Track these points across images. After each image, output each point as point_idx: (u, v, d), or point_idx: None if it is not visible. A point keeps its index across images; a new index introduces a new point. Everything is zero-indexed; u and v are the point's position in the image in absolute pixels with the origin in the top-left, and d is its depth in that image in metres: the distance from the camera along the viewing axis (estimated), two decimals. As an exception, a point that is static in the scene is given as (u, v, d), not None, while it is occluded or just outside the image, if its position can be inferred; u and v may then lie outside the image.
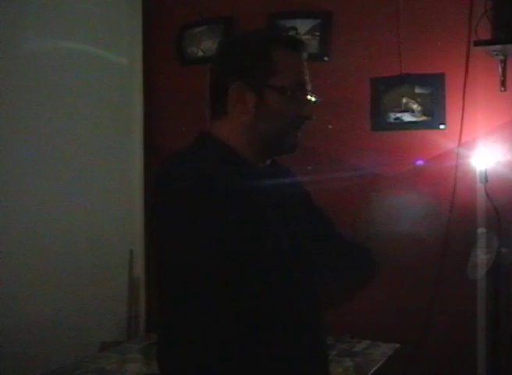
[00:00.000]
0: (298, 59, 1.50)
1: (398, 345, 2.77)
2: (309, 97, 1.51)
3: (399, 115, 3.13)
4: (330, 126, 3.15)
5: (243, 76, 1.46)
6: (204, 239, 1.33)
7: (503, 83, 2.90)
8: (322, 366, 1.58)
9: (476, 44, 2.85)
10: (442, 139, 3.03)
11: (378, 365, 2.56)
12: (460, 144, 3.01)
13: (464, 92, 3.00)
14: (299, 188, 1.65)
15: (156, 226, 1.43)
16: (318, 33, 3.29)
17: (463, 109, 3.00)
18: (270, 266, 1.35)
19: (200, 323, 1.40)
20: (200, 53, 3.55)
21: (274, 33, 1.76)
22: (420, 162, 3.06)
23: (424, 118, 3.08)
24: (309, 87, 1.50)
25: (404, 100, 3.12)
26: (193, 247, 1.34)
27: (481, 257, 2.80)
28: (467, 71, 2.99)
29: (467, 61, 2.99)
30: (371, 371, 2.50)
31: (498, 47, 2.80)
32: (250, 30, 3.29)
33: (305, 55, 1.51)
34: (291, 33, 3.28)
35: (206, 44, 3.53)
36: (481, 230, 2.86)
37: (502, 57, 2.86)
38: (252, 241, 1.35)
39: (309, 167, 2.96)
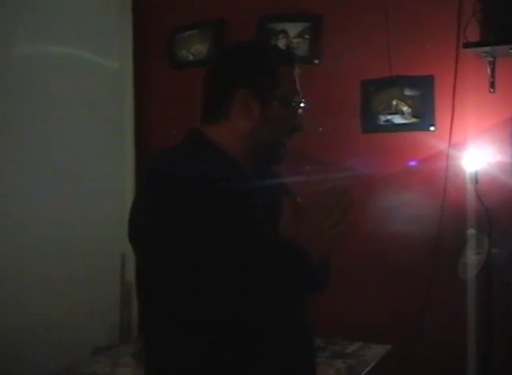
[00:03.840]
0: (295, 73, 1.57)
1: (390, 347, 2.78)
2: (302, 108, 1.57)
3: (389, 117, 3.13)
4: (320, 129, 3.16)
5: (250, 85, 1.51)
6: (196, 238, 1.33)
7: (492, 85, 2.91)
8: (310, 367, 1.59)
9: (465, 45, 2.87)
10: (433, 141, 3.04)
11: (370, 366, 2.57)
12: (450, 145, 3.02)
13: (453, 94, 3.01)
14: (286, 189, 1.66)
15: (146, 224, 1.43)
16: (308, 36, 3.29)
17: (452, 111, 3.01)
18: (257, 265, 1.35)
19: (186, 324, 1.40)
20: (191, 57, 3.55)
21: (277, 48, 1.94)
22: (410, 164, 3.07)
23: (414, 120, 3.09)
24: (303, 99, 1.58)
25: (394, 102, 3.13)
26: (186, 245, 1.34)
27: (472, 258, 2.81)
28: (456, 73, 3.00)
29: (456, 63, 3.00)
30: (363, 373, 2.51)
31: (487, 48, 2.82)
32: (240, 33, 3.32)
33: (298, 68, 1.59)
34: (281, 36, 3.30)
35: (196, 48, 3.53)
36: (471, 231, 2.87)
37: (491, 58, 2.88)
38: (243, 240, 1.36)
39: (307, 167, 2.97)
